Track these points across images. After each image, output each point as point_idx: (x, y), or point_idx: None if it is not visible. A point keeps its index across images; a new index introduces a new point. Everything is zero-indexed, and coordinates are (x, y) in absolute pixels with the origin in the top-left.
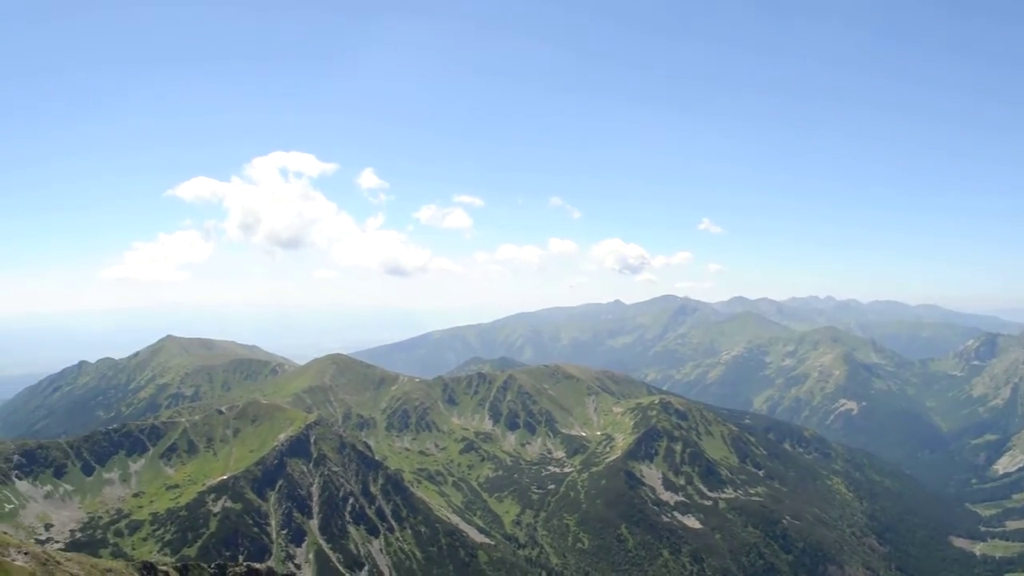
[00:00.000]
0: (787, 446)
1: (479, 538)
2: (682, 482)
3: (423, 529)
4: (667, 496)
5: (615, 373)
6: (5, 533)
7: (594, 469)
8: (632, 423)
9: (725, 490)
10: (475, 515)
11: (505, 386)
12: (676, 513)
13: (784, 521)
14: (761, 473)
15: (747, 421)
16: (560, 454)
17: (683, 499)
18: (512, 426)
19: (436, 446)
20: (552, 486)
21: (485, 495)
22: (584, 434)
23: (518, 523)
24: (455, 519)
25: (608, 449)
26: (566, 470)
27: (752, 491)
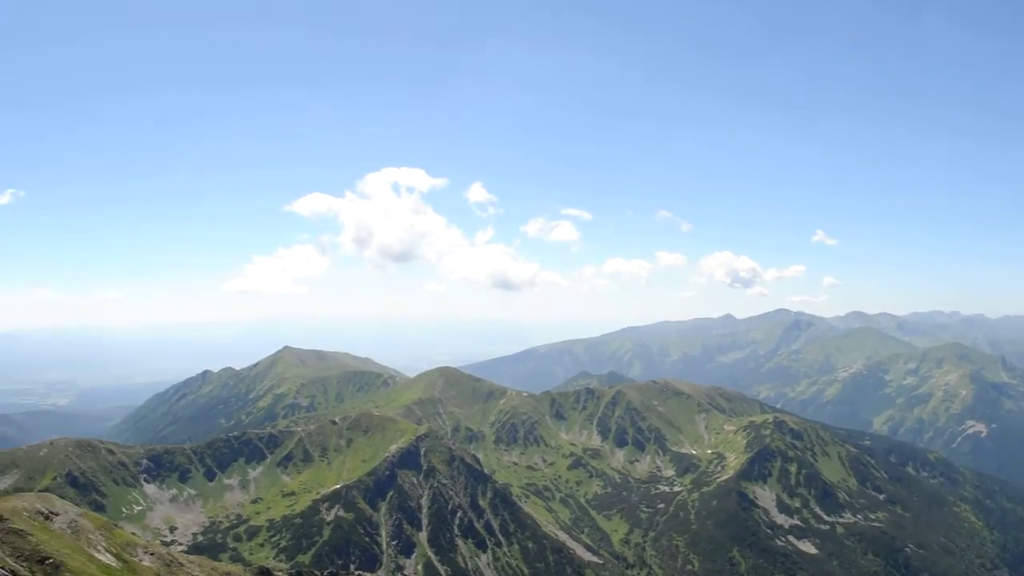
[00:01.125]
0: (910, 469)
1: (587, 556)
2: (797, 505)
3: (531, 545)
4: (781, 519)
5: (726, 390)
6: (134, 534)
7: (705, 489)
8: (744, 442)
9: (843, 514)
10: (583, 532)
11: (614, 402)
12: (791, 537)
13: (907, 549)
14: (882, 497)
15: (866, 442)
16: (669, 472)
17: (798, 523)
18: (621, 443)
19: (544, 461)
20: (661, 505)
21: (593, 512)
22: (694, 452)
23: (626, 542)
24: (563, 536)
25: (719, 468)
26: (676, 489)
27: (872, 516)
